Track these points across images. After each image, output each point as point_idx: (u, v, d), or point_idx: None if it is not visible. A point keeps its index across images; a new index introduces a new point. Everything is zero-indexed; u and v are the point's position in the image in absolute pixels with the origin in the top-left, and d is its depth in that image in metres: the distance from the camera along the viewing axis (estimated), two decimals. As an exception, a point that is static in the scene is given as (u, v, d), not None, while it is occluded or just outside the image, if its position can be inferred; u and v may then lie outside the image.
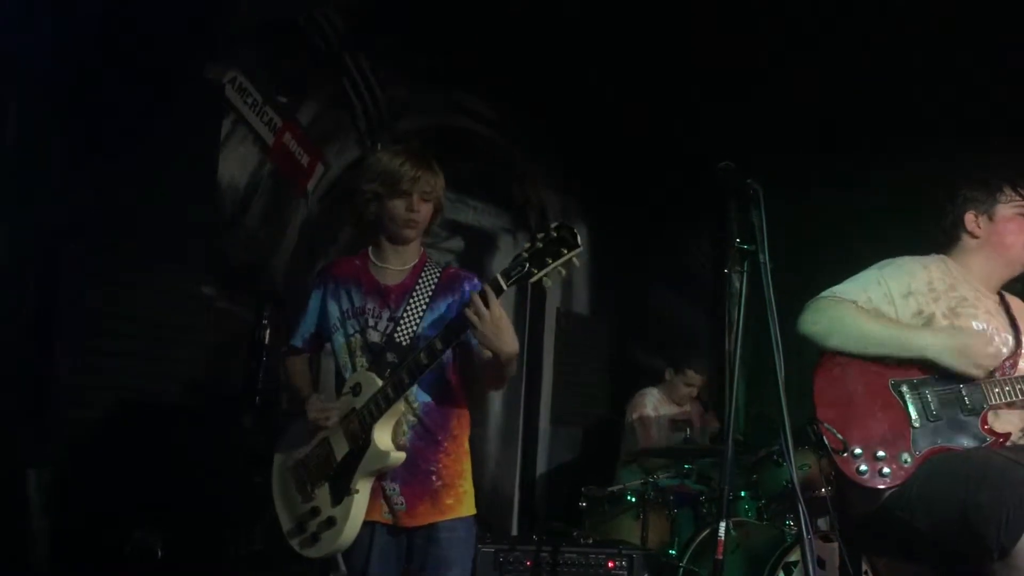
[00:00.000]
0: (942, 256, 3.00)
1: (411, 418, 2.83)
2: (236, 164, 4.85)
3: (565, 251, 2.48)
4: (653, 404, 5.70)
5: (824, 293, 2.93)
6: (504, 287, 2.54)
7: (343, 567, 2.97)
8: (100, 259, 4.20)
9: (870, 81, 5.39)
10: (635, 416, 5.68)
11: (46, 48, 4.00)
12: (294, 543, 2.88)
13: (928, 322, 2.84)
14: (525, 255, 2.50)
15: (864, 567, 3.59)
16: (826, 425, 2.77)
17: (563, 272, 2.52)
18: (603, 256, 6.98)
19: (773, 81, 5.74)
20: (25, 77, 3.98)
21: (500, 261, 6.39)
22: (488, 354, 2.68)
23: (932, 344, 2.75)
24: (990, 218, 2.97)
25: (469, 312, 2.55)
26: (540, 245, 2.49)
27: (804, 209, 5.48)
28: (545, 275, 2.50)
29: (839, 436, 2.74)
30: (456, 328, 2.62)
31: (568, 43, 5.68)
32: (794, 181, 5.16)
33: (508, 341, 2.61)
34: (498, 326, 2.57)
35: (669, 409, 5.71)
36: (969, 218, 2.99)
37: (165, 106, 4.39)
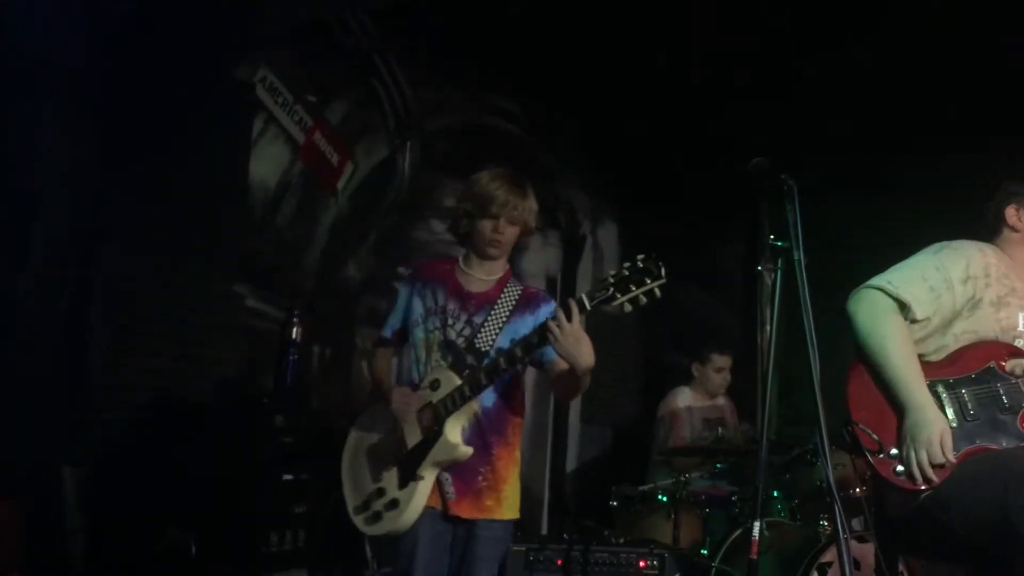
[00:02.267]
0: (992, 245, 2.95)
1: (472, 417, 2.97)
2: (267, 163, 4.89)
3: (649, 280, 2.64)
4: (686, 402, 5.66)
5: (878, 280, 2.83)
6: (588, 307, 2.70)
7: (373, 565, 3.04)
8: (133, 260, 4.24)
9: (904, 76, 5.33)
10: (666, 414, 5.65)
11: (78, 51, 4.04)
12: (358, 519, 3.04)
13: (975, 307, 2.79)
14: (611, 280, 2.67)
15: (900, 568, 3.55)
16: (861, 426, 2.73)
17: (643, 300, 2.66)
18: (632, 254, 6.94)
19: (805, 77, 5.69)
20: (58, 79, 4.03)
21: (529, 259, 6.38)
22: (564, 367, 2.84)
23: (920, 408, 2.68)
24: None
25: (552, 324, 2.71)
26: (626, 272, 2.66)
27: (838, 207, 5.42)
28: (627, 300, 2.65)
29: (875, 437, 2.71)
30: (536, 339, 2.78)
31: (597, 42, 5.66)
32: (828, 178, 5.12)
33: (585, 354, 2.74)
34: (577, 338, 2.71)
35: (703, 405, 5.67)
36: (1010, 212, 2.94)
37: (197, 106, 4.42)
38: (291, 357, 4.40)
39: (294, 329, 4.42)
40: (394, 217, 5.73)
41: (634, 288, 2.64)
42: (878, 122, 5.67)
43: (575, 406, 6.61)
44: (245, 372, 4.63)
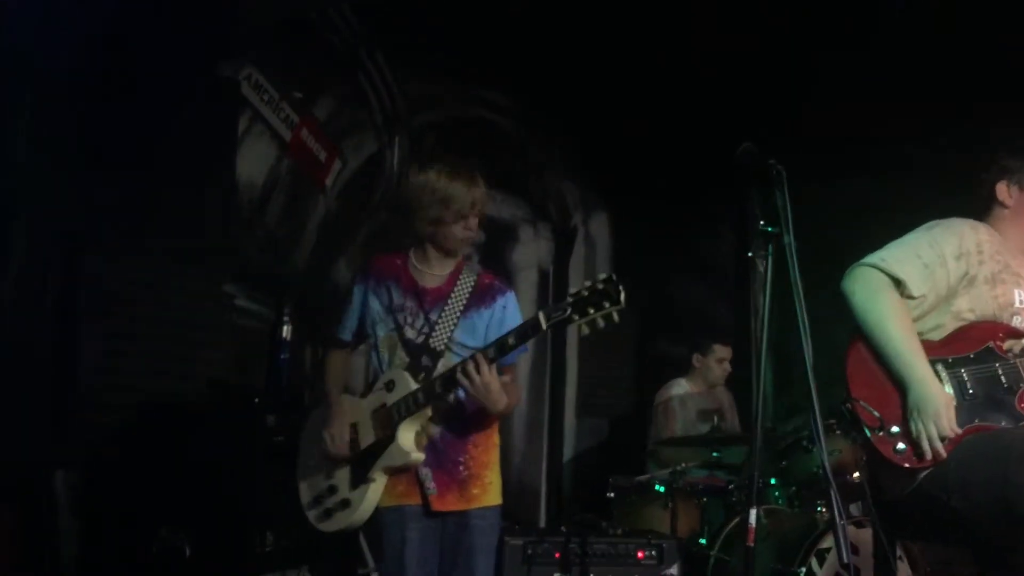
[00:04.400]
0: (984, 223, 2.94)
1: (443, 412, 2.96)
2: (254, 161, 4.85)
3: (607, 304, 2.62)
4: (680, 395, 5.66)
5: (872, 258, 2.83)
6: (543, 327, 2.69)
7: (371, 562, 3.03)
8: (119, 260, 4.21)
9: (901, 61, 5.31)
10: (660, 406, 5.65)
11: (60, 48, 4.01)
12: (310, 515, 3.05)
13: (970, 284, 2.78)
14: (570, 299, 2.65)
15: (898, 552, 3.54)
16: (861, 403, 2.71)
17: (601, 324, 2.65)
18: (624, 245, 6.95)
19: (793, 62, 5.67)
20: (39, 76, 3.99)
21: (521, 252, 6.37)
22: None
23: (923, 382, 2.68)
24: (1021, 188, 2.91)
25: (460, 376, 2.74)
26: (585, 294, 2.64)
27: (830, 192, 5.41)
28: (584, 323, 2.65)
29: (876, 414, 2.69)
30: (448, 384, 2.81)
31: (585, 31, 5.63)
32: (819, 165, 5.10)
33: (495, 401, 2.79)
34: (487, 389, 2.75)
35: (701, 396, 5.67)
36: (1001, 188, 2.93)
37: (181, 104, 4.38)
38: (283, 356, 4.38)
39: (285, 328, 4.40)
40: (383, 213, 5.71)
41: (592, 311, 2.63)
42: (869, 106, 5.65)
43: (571, 399, 6.60)
44: (236, 372, 4.60)
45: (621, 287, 2.61)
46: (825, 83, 5.65)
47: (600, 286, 2.62)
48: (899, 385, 2.73)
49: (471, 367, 2.73)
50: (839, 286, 2.84)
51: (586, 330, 2.66)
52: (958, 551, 3.00)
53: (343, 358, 3.18)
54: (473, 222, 2.99)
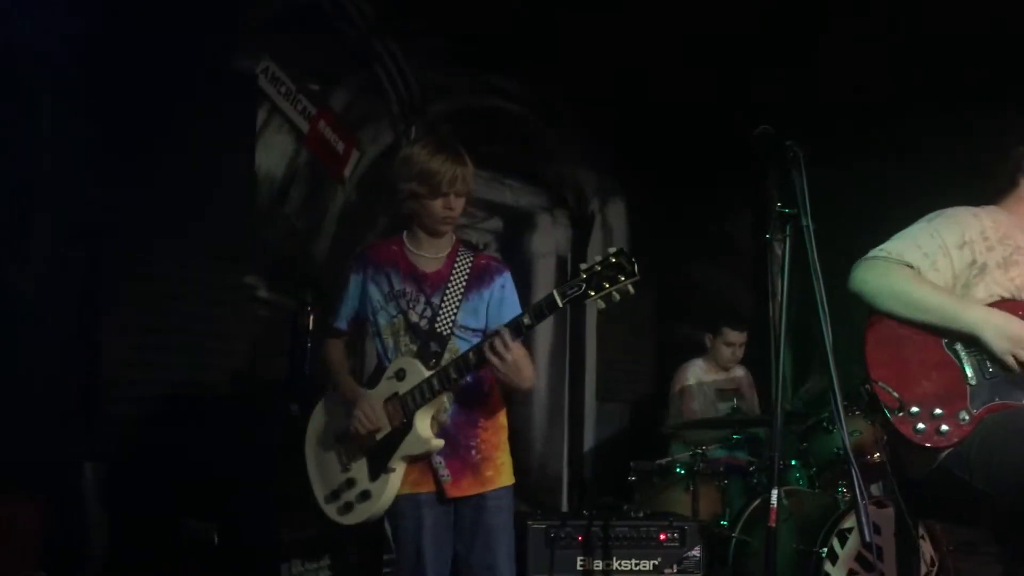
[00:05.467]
0: (994, 206, 2.92)
1: (453, 396, 2.96)
2: (273, 153, 4.89)
3: (622, 278, 2.60)
4: (696, 375, 5.66)
5: (874, 252, 2.81)
6: (559, 304, 2.66)
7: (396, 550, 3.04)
8: (141, 254, 4.26)
9: (915, 45, 5.27)
10: (676, 388, 5.66)
11: (77, 45, 4.04)
12: (328, 508, 3.04)
13: (981, 272, 2.76)
14: (583, 275, 2.63)
15: (920, 532, 3.54)
16: (880, 384, 2.70)
17: (616, 298, 2.63)
18: (642, 229, 6.94)
19: (811, 42, 5.64)
20: (55, 73, 4.03)
21: (539, 239, 6.37)
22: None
23: (981, 320, 2.64)
24: None
25: (489, 352, 2.70)
26: (598, 268, 2.62)
27: (848, 175, 5.39)
28: (600, 298, 2.63)
29: (895, 394, 2.68)
30: (475, 360, 2.77)
31: (597, 14, 5.62)
32: (837, 147, 5.08)
33: (525, 378, 2.82)
34: (517, 366, 2.74)
35: (716, 377, 5.67)
36: None
37: (199, 98, 4.42)
38: (305, 345, 4.42)
39: (307, 317, 4.44)
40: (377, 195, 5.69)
41: (607, 285, 2.61)
42: (887, 89, 5.61)
43: (591, 384, 6.61)
44: (259, 362, 4.65)
45: (634, 259, 2.60)
46: (848, 63, 5.60)
47: (613, 260, 2.61)
48: (955, 339, 2.69)
49: (499, 344, 2.68)
50: (848, 286, 2.82)
51: (602, 304, 2.64)
52: (981, 531, 3.00)
53: (340, 347, 3.14)
54: (456, 202, 2.92)
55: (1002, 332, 2.63)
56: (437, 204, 2.91)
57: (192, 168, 4.39)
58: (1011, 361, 2.63)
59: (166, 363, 4.33)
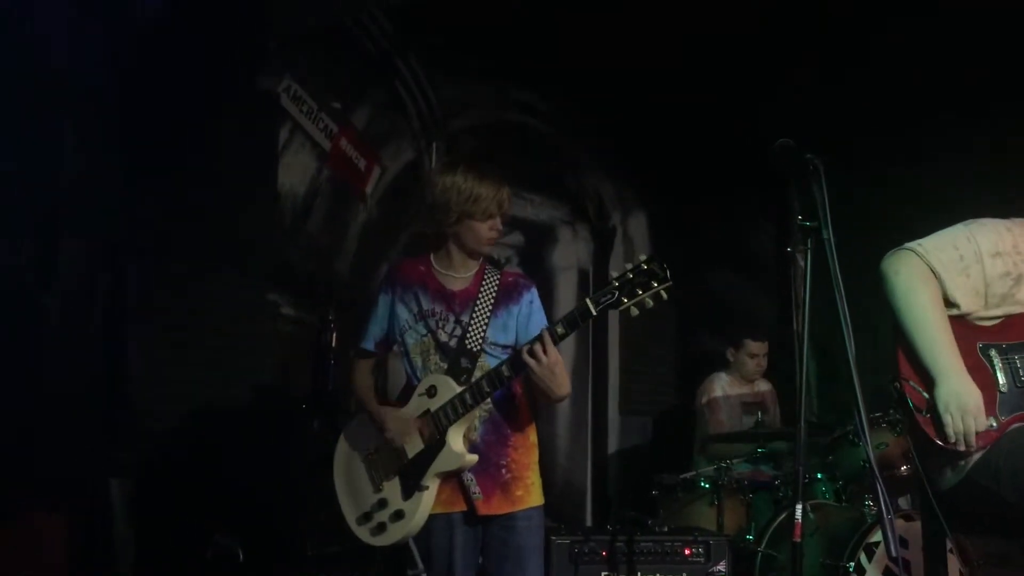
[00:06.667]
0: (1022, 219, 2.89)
1: (484, 415, 2.97)
2: (295, 172, 4.93)
3: (655, 283, 2.64)
4: (722, 388, 5.63)
5: (911, 244, 2.79)
6: (594, 312, 2.70)
7: (420, 564, 3.04)
8: (166, 273, 4.30)
9: (936, 54, 5.24)
10: (704, 401, 5.63)
11: (101, 65, 4.09)
12: (361, 531, 3.03)
13: (1016, 283, 2.73)
14: (615, 283, 2.67)
15: (949, 545, 3.50)
16: (911, 383, 2.68)
17: (650, 304, 2.67)
18: (664, 242, 6.93)
19: (834, 54, 5.63)
20: (78, 94, 4.08)
21: (560, 253, 6.37)
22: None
23: (949, 373, 2.63)
24: None
25: (527, 357, 2.74)
26: (631, 275, 2.66)
27: (869, 186, 5.36)
28: (633, 305, 2.66)
29: (924, 395, 2.66)
30: (510, 370, 2.82)
31: (617, 28, 5.63)
32: (857, 158, 5.05)
33: (561, 384, 2.83)
34: (553, 371, 2.76)
35: (741, 390, 5.64)
36: None
37: (222, 117, 4.47)
38: (327, 362, 4.43)
39: (329, 334, 4.46)
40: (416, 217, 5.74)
41: (640, 292, 2.65)
42: (907, 99, 5.58)
43: (614, 397, 6.60)
44: (282, 379, 4.67)
45: (666, 265, 2.64)
46: (871, 76, 5.58)
47: (645, 266, 2.65)
48: (928, 374, 2.68)
49: (538, 347, 2.72)
50: (878, 269, 2.81)
51: (636, 311, 2.66)
52: (1010, 544, 2.95)
53: (367, 369, 3.16)
54: (499, 223, 3.00)
55: (956, 394, 2.61)
56: (484, 227, 2.96)
57: (216, 187, 4.43)
58: (947, 420, 2.61)
59: (190, 380, 4.36)
